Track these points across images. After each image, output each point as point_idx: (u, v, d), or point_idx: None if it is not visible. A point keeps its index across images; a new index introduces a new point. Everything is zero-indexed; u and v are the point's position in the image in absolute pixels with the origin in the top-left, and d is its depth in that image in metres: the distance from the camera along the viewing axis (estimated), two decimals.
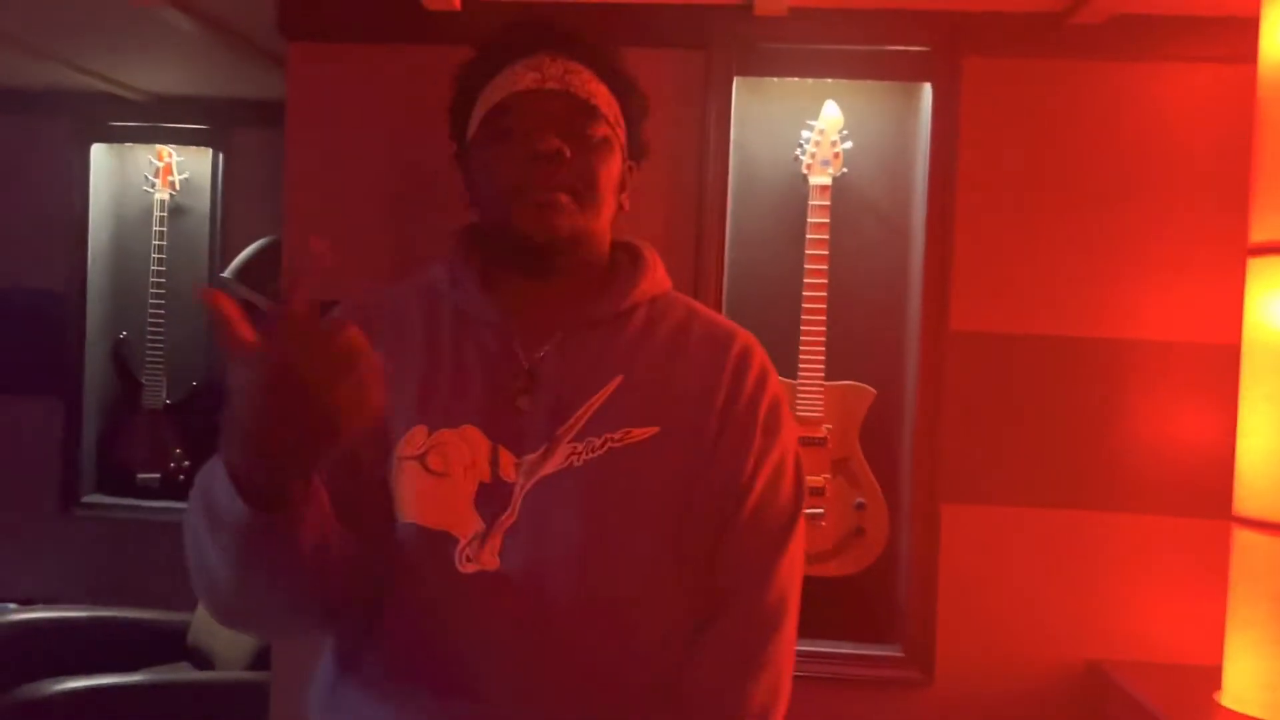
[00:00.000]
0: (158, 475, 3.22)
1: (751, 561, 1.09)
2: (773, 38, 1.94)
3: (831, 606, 1.96)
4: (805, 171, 1.99)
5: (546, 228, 1.08)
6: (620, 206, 1.20)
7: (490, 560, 1.03)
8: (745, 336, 1.18)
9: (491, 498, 1.04)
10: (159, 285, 3.18)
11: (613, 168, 1.14)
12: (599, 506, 1.05)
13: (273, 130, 3.09)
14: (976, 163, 1.94)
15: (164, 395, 3.23)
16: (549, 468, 1.05)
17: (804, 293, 1.98)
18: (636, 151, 1.22)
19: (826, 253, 1.98)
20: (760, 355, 1.17)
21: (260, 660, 2.55)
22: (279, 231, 2.79)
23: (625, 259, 1.21)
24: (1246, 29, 1.74)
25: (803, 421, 1.98)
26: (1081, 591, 1.96)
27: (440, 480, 1.05)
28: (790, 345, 1.98)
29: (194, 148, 3.21)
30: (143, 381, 3.23)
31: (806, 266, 1.99)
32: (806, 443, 1.98)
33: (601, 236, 1.17)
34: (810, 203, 1.99)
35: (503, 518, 1.04)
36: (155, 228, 3.18)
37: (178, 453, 3.22)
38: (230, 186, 3.18)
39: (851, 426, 2.00)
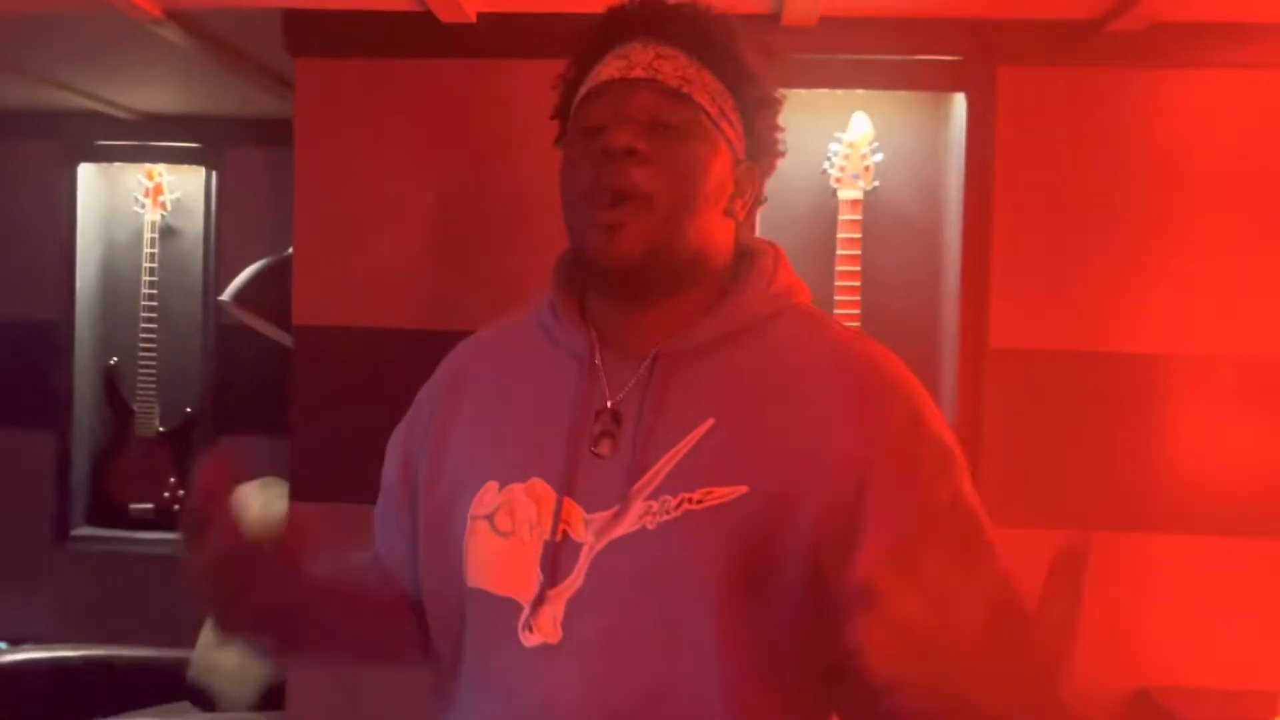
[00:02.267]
0: (151, 506, 3.13)
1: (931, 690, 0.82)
2: (801, 48, 1.90)
3: None
4: (835, 185, 1.97)
5: (615, 254, 0.94)
6: (733, 213, 1.02)
7: (552, 632, 0.91)
8: (898, 366, 0.99)
9: (557, 559, 0.93)
10: (150, 309, 3.10)
11: (709, 163, 0.97)
12: (666, 580, 0.90)
13: (268, 148, 3.03)
14: (1013, 174, 1.91)
15: (157, 422, 3.14)
16: (621, 529, 0.92)
17: (835, 310, 1.94)
18: (758, 149, 1.03)
19: (858, 269, 1.95)
20: (919, 393, 0.97)
21: (270, 700, 2.46)
22: (276, 251, 2.73)
23: (741, 268, 1.03)
24: None
25: None
26: (1130, 616, 1.91)
27: (507, 540, 0.95)
28: None
29: (186, 167, 3.13)
30: (135, 409, 3.13)
31: (837, 283, 1.94)
32: None
33: (703, 246, 0.99)
34: (840, 217, 1.95)
35: (565, 582, 0.92)
36: (146, 249, 3.09)
37: (172, 482, 3.13)
38: (224, 206, 3.09)
39: None
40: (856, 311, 1.93)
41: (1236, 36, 1.87)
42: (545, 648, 0.91)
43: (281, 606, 0.98)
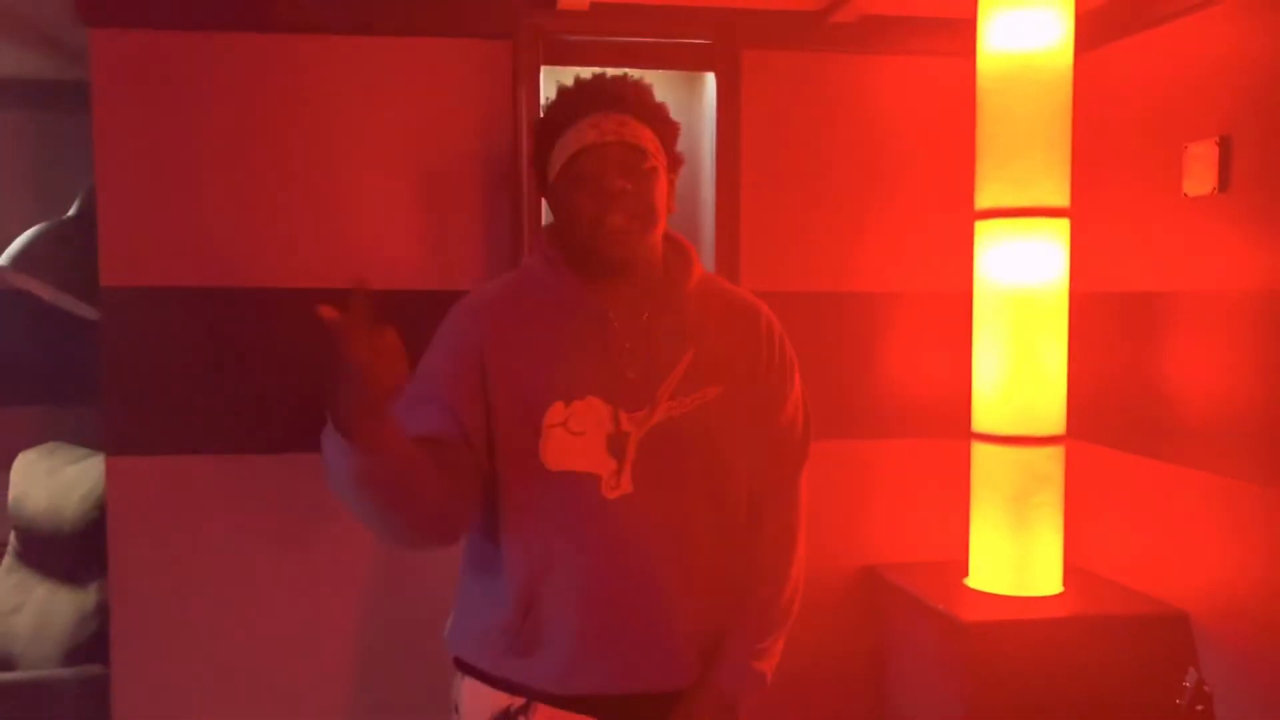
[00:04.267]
0: None
1: (787, 473, 1.55)
2: (575, 30, 2.12)
3: None
4: None
5: (623, 251, 1.42)
6: (669, 211, 1.50)
7: (628, 486, 1.42)
8: (765, 307, 1.56)
9: (618, 444, 1.42)
10: None
11: (662, 190, 1.45)
12: (697, 444, 1.44)
13: (29, 110, 2.95)
14: (757, 142, 2.22)
15: None
16: (655, 419, 1.43)
17: None
18: (674, 166, 1.51)
19: None
20: (777, 323, 1.55)
21: (74, 657, 2.49)
22: (47, 216, 2.70)
23: (673, 252, 1.53)
24: (967, 29, 2.10)
25: None
26: (854, 508, 2.32)
27: (580, 437, 1.42)
28: None
29: None
30: None
31: None
32: None
33: (658, 241, 1.50)
34: None
35: (629, 458, 1.42)
36: None
37: None
38: None
39: None
40: None
41: (930, 29, 2.24)
42: (624, 497, 1.41)
43: (394, 442, 1.24)
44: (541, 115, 1.52)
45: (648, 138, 1.46)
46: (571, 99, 1.48)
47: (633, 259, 1.45)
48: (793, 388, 1.54)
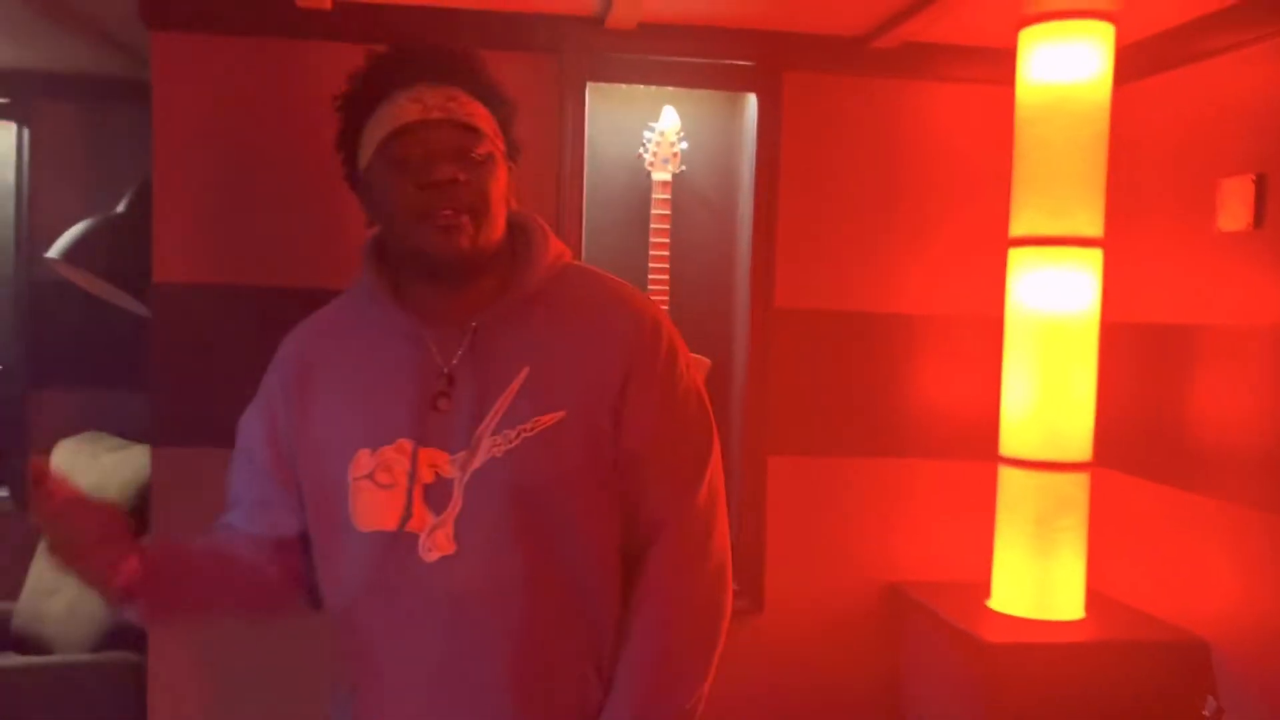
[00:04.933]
0: None
1: (677, 490, 1.25)
2: (621, 48, 2.16)
3: None
4: (649, 168, 2.23)
5: (452, 249, 1.17)
6: (509, 206, 1.28)
7: (448, 545, 1.18)
8: (651, 305, 1.30)
9: (438, 493, 1.19)
10: None
11: (500, 180, 1.22)
12: (524, 488, 1.18)
13: (84, 104, 3.02)
14: (795, 163, 2.25)
15: None
16: (477, 462, 1.18)
17: (649, 275, 2.22)
18: (513, 153, 1.29)
19: (668, 240, 2.23)
20: (668, 324, 1.28)
21: (106, 642, 2.53)
22: (98, 209, 2.76)
23: (521, 244, 1.28)
24: (1006, 59, 2.12)
25: None
26: (881, 526, 2.34)
27: (390, 491, 1.19)
28: None
29: None
30: None
31: (651, 252, 2.23)
32: None
33: (497, 240, 1.24)
34: (653, 196, 2.23)
35: (448, 510, 1.18)
36: None
37: None
38: (38, 163, 3.05)
39: None
40: (666, 276, 2.23)
41: (970, 57, 2.27)
42: (445, 559, 1.18)
43: (156, 567, 1.16)
44: (348, 86, 1.25)
45: (482, 116, 1.21)
46: (388, 67, 1.22)
47: (464, 261, 1.19)
48: (682, 399, 1.26)
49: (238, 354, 2.12)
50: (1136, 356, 2.23)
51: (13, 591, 2.79)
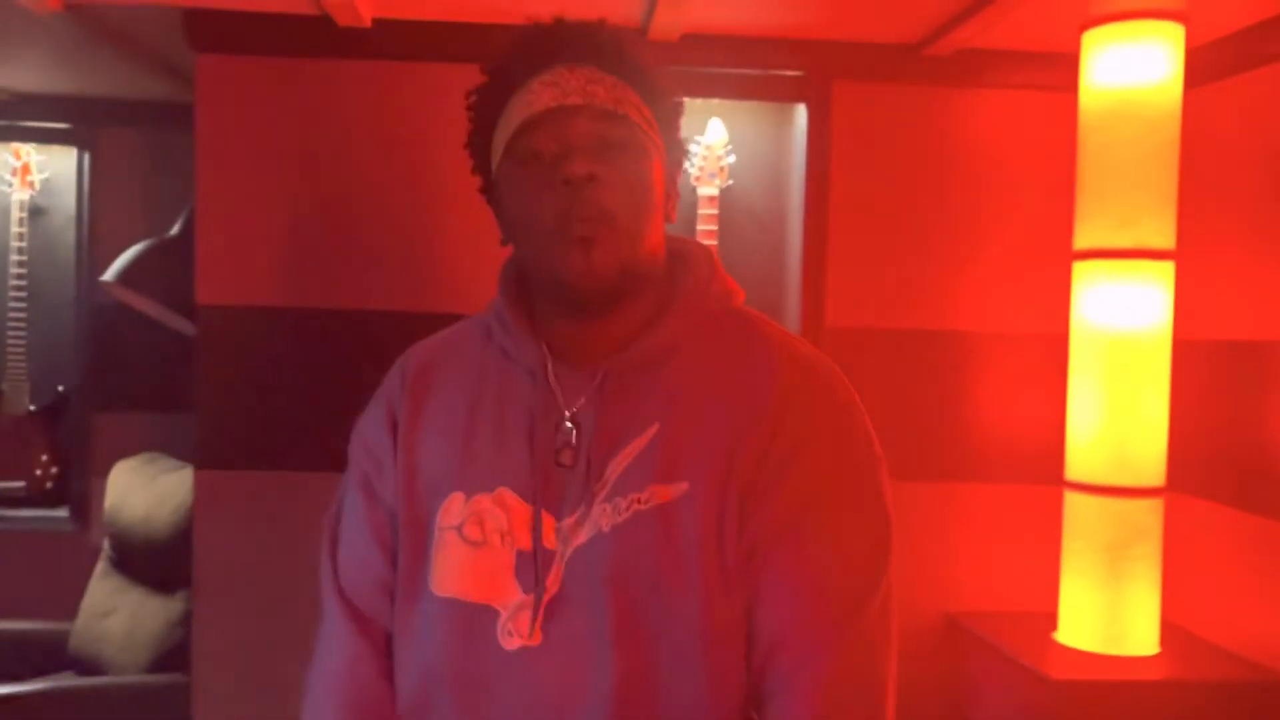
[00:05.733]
0: (22, 484, 3.13)
1: (817, 633, 0.94)
2: (665, 60, 2.08)
3: None
4: (695, 183, 2.18)
5: (588, 268, 0.96)
6: (668, 216, 1.06)
7: (534, 635, 0.96)
8: (837, 371, 1.05)
9: (534, 566, 0.97)
10: (20, 287, 3.10)
11: (654, 178, 1.01)
12: (625, 577, 0.95)
13: (143, 130, 3.08)
14: (846, 175, 2.18)
15: (27, 400, 3.14)
16: (583, 535, 0.96)
17: None
18: (673, 154, 1.07)
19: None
20: (856, 401, 1.03)
21: (161, 664, 2.55)
22: (154, 232, 2.80)
23: (679, 272, 1.07)
24: (1069, 63, 2.03)
25: None
26: (939, 553, 2.24)
27: (478, 550, 0.99)
28: None
29: (56, 147, 3.13)
30: (3, 387, 3.13)
31: None
32: None
33: (652, 259, 1.03)
34: (699, 211, 2.18)
35: (545, 588, 0.96)
36: (15, 229, 3.09)
37: (44, 460, 3.15)
38: (98, 187, 3.11)
39: None
40: None
41: (1027, 63, 2.18)
42: (526, 650, 0.96)
43: None
44: (479, 78, 1.04)
45: (633, 104, 1.00)
46: (519, 52, 1.00)
47: (603, 287, 0.98)
48: (854, 503, 0.99)
49: (281, 377, 2.13)
50: (1211, 375, 2.11)
51: (72, 612, 2.82)
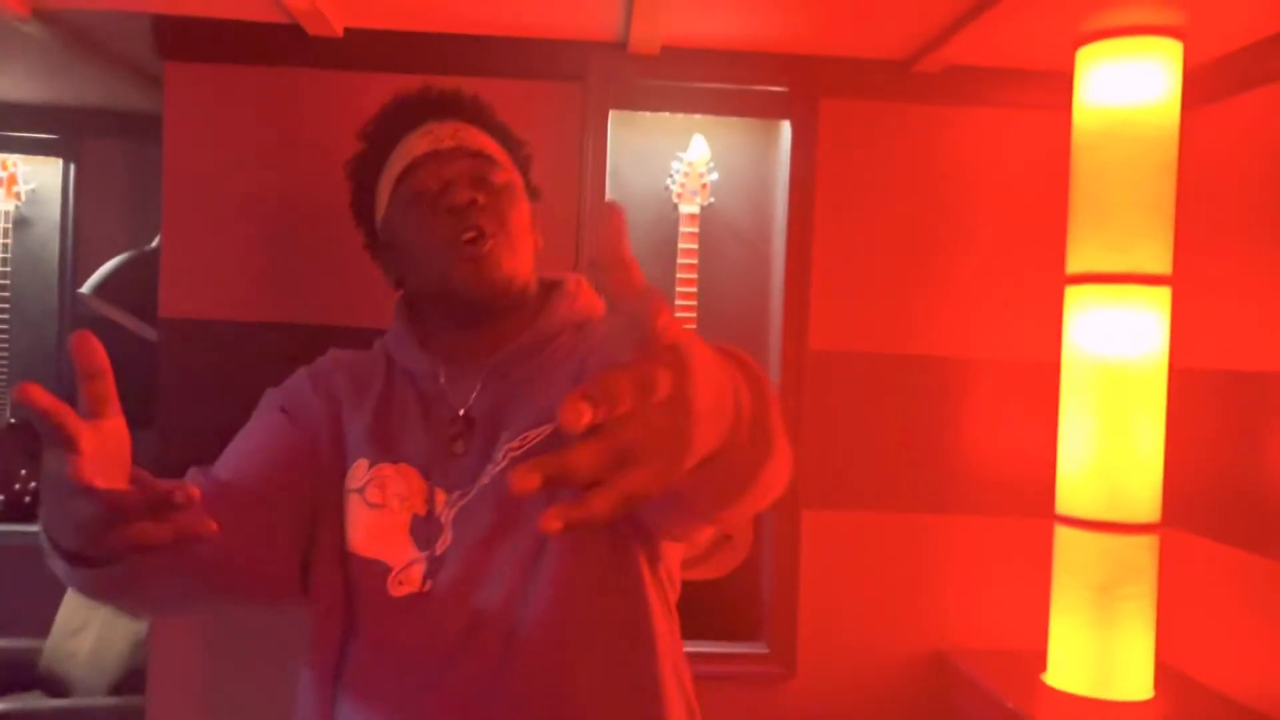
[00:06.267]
0: (1, 498, 3.09)
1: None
2: (645, 74, 2.06)
3: (702, 609, 2.09)
4: (676, 200, 2.12)
5: (480, 278, 1.13)
6: (536, 245, 1.25)
7: (420, 584, 1.09)
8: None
9: (426, 528, 1.12)
10: (2, 299, 3.06)
11: (523, 208, 1.20)
12: (508, 517, 1.08)
13: (129, 141, 3.05)
14: (832, 195, 2.11)
15: (7, 414, 3.10)
16: (471, 494, 1.12)
17: (675, 311, 2.10)
18: (532, 194, 1.28)
19: (696, 276, 2.11)
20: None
21: (125, 685, 2.50)
22: (138, 244, 2.76)
23: (552, 293, 1.26)
24: (1063, 81, 1.96)
25: None
26: (926, 588, 2.15)
27: (377, 511, 1.13)
28: None
29: (41, 158, 3.10)
30: None
31: (677, 289, 2.11)
32: None
33: (529, 276, 1.22)
34: (680, 230, 2.11)
35: (436, 544, 1.10)
36: None
37: (23, 474, 3.10)
38: (82, 198, 3.08)
39: None
40: (694, 314, 2.11)
41: (1017, 81, 2.11)
42: (413, 595, 1.09)
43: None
44: (356, 150, 1.25)
45: (494, 148, 1.22)
46: (390, 117, 1.22)
47: (499, 290, 1.14)
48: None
49: (245, 392, 2.06)
50: (1210, 406, 2.03)
51: (44, 629, 2.77)
